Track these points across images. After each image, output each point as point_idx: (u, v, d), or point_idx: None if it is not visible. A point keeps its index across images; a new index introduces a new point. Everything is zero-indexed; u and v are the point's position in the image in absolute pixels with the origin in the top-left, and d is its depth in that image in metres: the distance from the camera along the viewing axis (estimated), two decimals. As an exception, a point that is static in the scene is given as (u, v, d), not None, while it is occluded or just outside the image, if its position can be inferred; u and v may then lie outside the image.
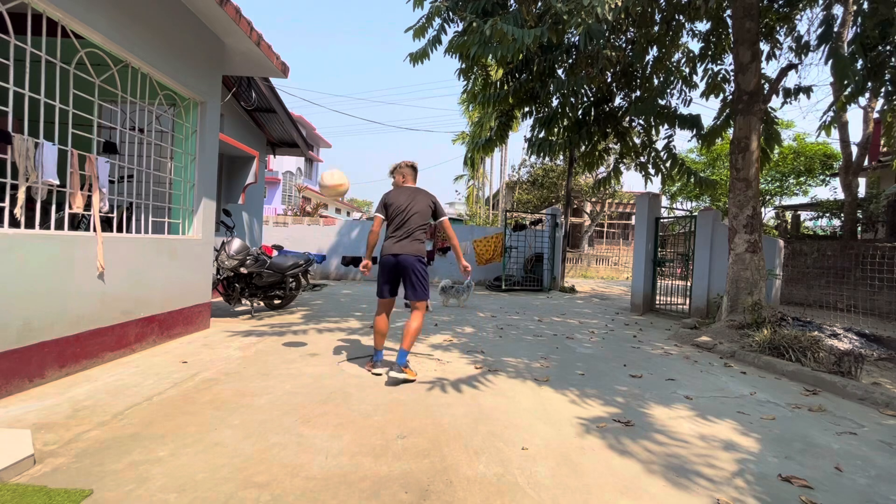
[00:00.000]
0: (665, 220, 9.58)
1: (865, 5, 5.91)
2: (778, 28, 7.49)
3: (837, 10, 7.06)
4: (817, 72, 79.34)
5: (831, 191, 15.61)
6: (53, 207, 3.51)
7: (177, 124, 4.94)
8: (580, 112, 8.64)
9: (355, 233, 13.09)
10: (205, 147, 5.12)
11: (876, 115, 11.18)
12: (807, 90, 7.16)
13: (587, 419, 3.05)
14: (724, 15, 7.36)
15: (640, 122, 8.57)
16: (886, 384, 4.16)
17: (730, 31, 7.22)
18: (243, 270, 5.89)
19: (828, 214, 13.58)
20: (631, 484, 2.24)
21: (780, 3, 7.24)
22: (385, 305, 3.88)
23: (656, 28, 7.58)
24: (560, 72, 7.96)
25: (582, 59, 7.26)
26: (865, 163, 12.52)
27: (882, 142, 10.66)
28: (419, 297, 3.76)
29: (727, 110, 7.54)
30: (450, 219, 4.55)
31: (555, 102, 8.31)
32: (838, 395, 3.87)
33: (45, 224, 3.55)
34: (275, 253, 6.90)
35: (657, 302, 8.99)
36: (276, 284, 6.48)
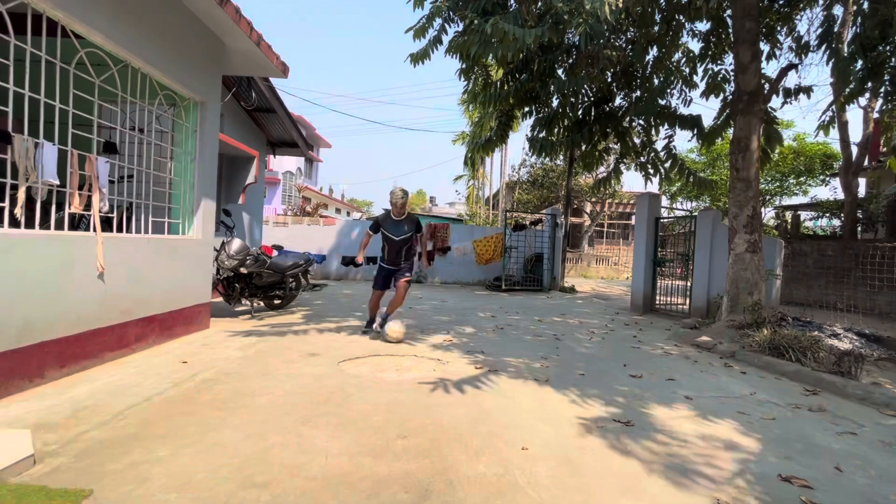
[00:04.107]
0: (665, 220, 9.57)
1: (865, 5, 5.91)
2: (778, 28, 7.49)
3: (837, 10, 7.06)
4: (817, 72, 79.33)
5: (831, 191, 15.61)
6: (53, 207, 3.51)
7: (177, 124, 4.94)
8: (580, 112, 8.64)
9: (355, 233, 13.07)
10: (205, 147, 5.12)
11: (876, 115, 11.18)
12: (807, 90, 7.17)
13: (588, 419, 3.05)
14: (724, 15, 7.36)
15: (641, 122, 8.56)
16: (886, 384, 4.16)
17: (730, 31, 7.21)
18: (243, 270, 5.89)
19: (828, 214, 13.58)
20: (631, 484, 2.24)
21: (780, 3, 7.24)
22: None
23: (656, 28, 7.57)
24: (560, 72, 7.95)
25: (582, 59, 7.26)
26: (865, 163, 12.51)
27: (881, 142, 10.65)
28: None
29: (727, 110, 7.54)
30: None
31: (555, 102, 8.31)
32: (838, 395, 3.87)
33: (45, 224, 3.55)
34: (275, 253, 6.90)
35: (657, 302, 8.98)
36: (276, 284, 6.48)
